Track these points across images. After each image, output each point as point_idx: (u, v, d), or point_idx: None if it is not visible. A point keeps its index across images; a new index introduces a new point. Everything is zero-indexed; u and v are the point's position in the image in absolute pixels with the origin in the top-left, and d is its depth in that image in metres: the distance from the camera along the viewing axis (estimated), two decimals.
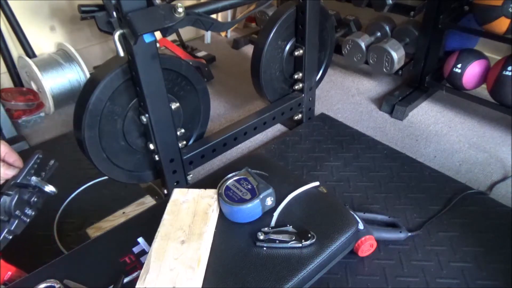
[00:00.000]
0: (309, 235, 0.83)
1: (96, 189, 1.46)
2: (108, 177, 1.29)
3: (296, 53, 1.57)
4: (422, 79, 1.88)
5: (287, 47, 1.58)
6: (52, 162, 0.85)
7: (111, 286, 0.76)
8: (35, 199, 0.81)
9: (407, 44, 1.90)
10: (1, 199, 0.76)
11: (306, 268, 0.79)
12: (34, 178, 0.81)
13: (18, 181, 0.78)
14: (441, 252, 1.16)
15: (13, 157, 0.80)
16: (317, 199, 0.94)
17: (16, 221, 0.79)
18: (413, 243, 1.19)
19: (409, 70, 1.93)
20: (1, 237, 0.77)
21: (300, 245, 0.82)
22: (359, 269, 1.13)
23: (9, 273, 0.90)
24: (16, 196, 0.78)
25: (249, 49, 2.50)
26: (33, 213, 0.82)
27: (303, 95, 1.70)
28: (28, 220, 0.81)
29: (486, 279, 1.09)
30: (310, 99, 1.75)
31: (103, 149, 1.21)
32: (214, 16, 1.71)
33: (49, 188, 0.82)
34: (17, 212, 0.79)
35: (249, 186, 0.88)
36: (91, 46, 2.26)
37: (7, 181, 0.78)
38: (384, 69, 1.87)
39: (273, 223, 0.87)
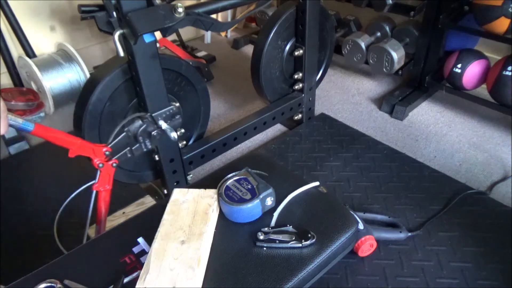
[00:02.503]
0: (309, 235, 0.83)
1: None
2: None
3: (296, 53, 1.57)
4: (422, 79, 1.88)
5: (287, 47, 1.58)
6: (177, 116, 1.01)
7: (111, 286, 0.76)
8: (155, 134, 0.96)
9: (407, 44, 1.90)
10: (136, 122, 0.89)
11: (306, 268, 0.79)
12: (165, 123, 0.95)
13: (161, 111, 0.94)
14: (441, 252, 1.16)
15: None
16: (317, 199, 0.94)
17: (138, 145, 0.92)
18: (413, 243, 1.19)
19: (409, 70, 1.93)
20: (123, 151, 0.91)
21: (300, 245, 0.82)
22: (359, 269, 1.13)
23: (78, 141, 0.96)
24: (145, 125, 0.90)
25: (249, 49, 2.50)
26: (150, 146, 0.95)
27: (303, 95, 1.70)
28: (145, 149, 0.94)
29: (486, 279, 1.09)
30: (310, 99, 1.75)
31: None
32: (214, 16, 1.71)
33: (174, 135, 0.96)
34: (141, 138, 0.91)
35: (249, 186, 0.87)
36: (91, 46, 2.26)
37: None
38: (384, 69, 1.87)
39: (273, 223, 0.87)
